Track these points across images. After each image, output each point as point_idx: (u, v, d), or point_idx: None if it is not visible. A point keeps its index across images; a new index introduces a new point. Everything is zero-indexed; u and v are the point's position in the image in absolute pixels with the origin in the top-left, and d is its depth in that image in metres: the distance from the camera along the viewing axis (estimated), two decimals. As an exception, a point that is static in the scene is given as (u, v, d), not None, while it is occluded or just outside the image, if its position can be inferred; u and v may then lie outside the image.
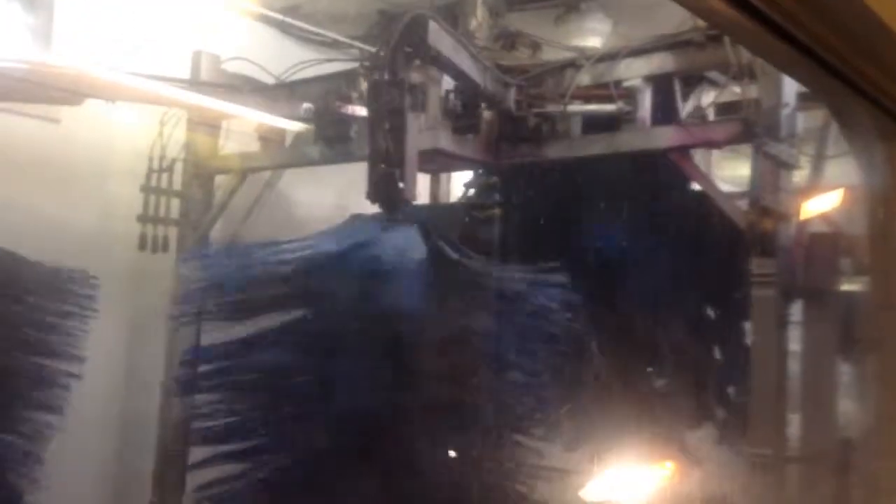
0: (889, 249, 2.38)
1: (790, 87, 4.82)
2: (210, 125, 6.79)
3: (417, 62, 4.64)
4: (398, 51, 4.50)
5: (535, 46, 6.07)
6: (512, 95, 5.59)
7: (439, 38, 4.71)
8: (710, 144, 5.29)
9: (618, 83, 5.46)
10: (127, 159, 6.64)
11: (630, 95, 5.41)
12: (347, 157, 5.78)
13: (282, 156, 6.60)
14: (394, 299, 4.10)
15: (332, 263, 4.39)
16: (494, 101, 5.50)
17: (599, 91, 5.51)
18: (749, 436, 4.91)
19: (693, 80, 5.47)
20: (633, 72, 5.43)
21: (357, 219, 4.72)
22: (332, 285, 4.29)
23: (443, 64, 5.04)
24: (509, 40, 5.99)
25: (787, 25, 1.72)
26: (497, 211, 6.12)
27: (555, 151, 5.81)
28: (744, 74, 4.88)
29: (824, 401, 5.01)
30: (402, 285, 4.10)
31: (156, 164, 6.70)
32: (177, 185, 6.85)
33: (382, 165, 4.40)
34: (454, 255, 4.29)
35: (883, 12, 1.64)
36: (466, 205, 6.66)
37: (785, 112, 4.79)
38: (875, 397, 2.71)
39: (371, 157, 4.50)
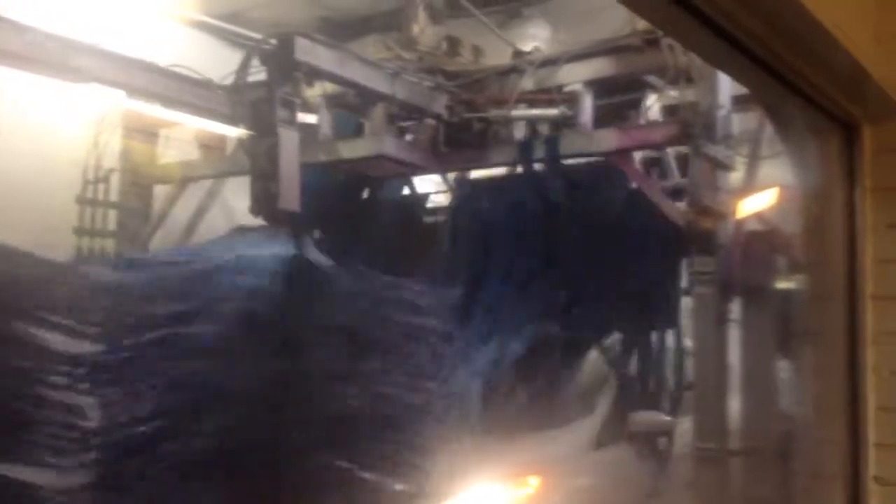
0: (824, 242, 2.46)
1: (726, 90, 4.96)
2: (147, 132, 6.65)
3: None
4: (272, 70, 4.66)
5: (478, 52, 6.11)
6: (442, 101, 5.62)
7: (313, 53, 4.82)
8: (650, 146, 5.40)
9: (559, 88, 5.54)
10: (64, 169, 6.45)
11: (572, 100, 5.49)
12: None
13: (223, 164, 6.50)
14: (247, 309, 4.04)
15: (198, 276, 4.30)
16: (413, 108, 5.54)
17: (542, 96, 5.58)
18: (694, 430, 5.01)
19: (637, 86, 5.59)
20: (574, 76, 5.52)
21: (240, 230, 4.72)
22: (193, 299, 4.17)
23: (326, 77, 5.16)
24: (453, 46, 6.02)
25: (723, 22, 1.77)
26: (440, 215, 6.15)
27: (499, 156, 5.86)
28: (681, 78, 5.00)
29: (765, 394, 5.15)
30: (257, 297, 4.05)
31: (91, 175, 6.54)
32: (114, 196, 6.70)
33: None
34: (318, 268, 4.27)
35: (815, 7, 1.70)
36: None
37: (721, 114, 4.92)
38: (813, 388, 2.80)
39: (252, 172, 4.60)
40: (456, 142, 5.88)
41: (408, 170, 6.12)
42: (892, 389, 2.36)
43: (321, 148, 5.87)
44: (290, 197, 4.41)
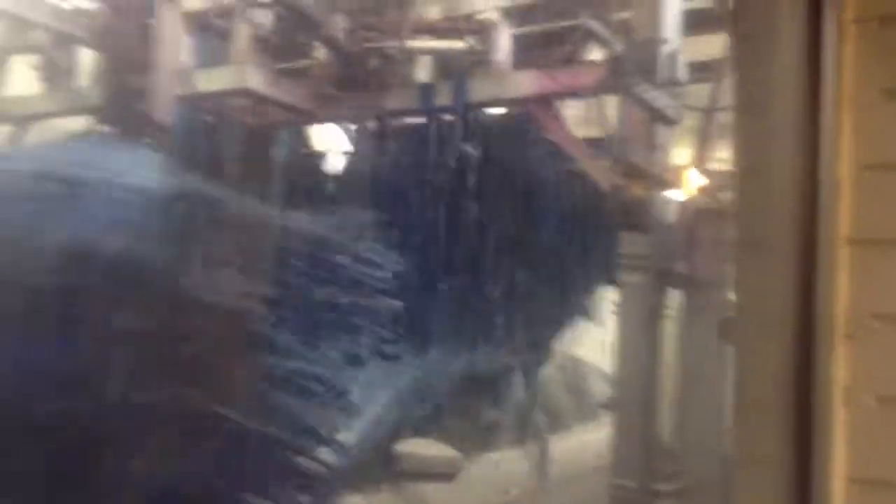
0: (769, 133, 1.31)
1: (672, 21, 3.84)
2: None
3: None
4: None
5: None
6: (339, 22, 4.43)
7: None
8: (577, 92, 4.23)
9: (470, 17, 4.40)
10: None
11: (484, 31, 4.34)
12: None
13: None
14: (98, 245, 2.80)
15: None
16: (311, 24, 4.35)
17: (448, 25, 4.44)
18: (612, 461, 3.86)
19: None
20: (490, 3, 4.38)
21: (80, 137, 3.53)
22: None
23: None
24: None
25: None
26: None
27: (396, 101, 4.70)
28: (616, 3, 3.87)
29: (706, 416, 4.00)
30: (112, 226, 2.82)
31: None
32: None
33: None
34: (207, 192, 3.03)
35: None
36: None
37: (664, 50, 3.78)
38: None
39: (106, 70, 3.55)
40: (345, 83, 4.71)
41: (287, 116, 4.93)
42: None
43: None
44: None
